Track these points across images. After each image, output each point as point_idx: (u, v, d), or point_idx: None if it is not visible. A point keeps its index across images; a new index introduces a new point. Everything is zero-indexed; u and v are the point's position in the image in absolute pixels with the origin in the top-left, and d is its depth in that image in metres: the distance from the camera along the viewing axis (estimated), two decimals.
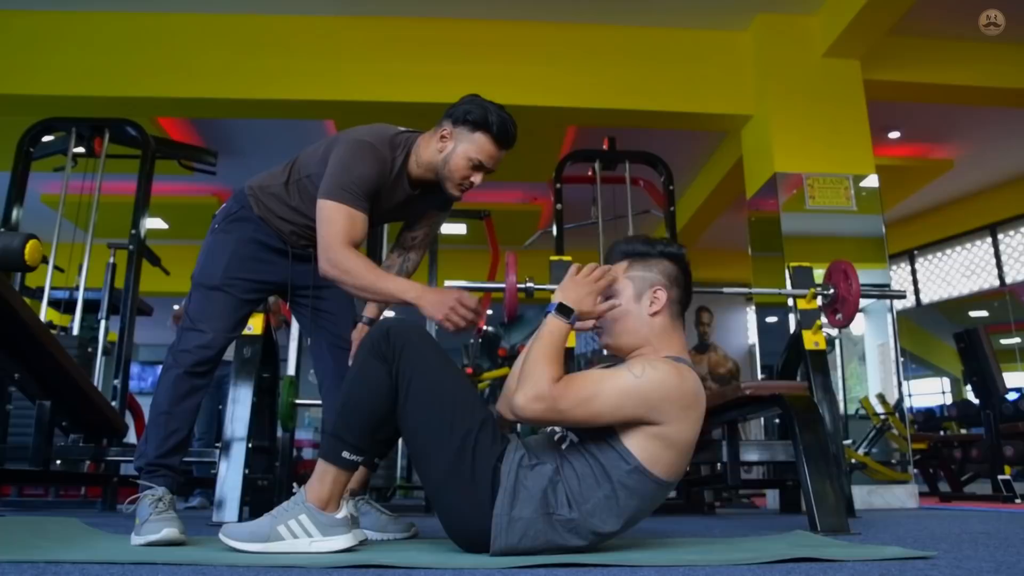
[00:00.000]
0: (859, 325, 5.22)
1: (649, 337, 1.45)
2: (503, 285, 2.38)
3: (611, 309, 1.46)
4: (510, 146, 1.83)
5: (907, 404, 5.26)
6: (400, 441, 2.22)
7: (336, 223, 1.71)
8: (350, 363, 1.91)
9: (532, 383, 1.31)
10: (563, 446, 1.42)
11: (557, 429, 1.48)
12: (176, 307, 4.50)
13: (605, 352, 1.51)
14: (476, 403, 1.46)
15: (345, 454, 1.42)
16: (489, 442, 1.40)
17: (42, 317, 3.59)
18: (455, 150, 1.80)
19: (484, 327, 5.86)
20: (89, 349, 3.52)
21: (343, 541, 1.41)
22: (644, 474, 1.35)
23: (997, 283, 7.59)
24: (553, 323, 1.40)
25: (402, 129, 1.88)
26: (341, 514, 1.42)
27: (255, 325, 2.57)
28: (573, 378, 1.34)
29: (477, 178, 1.84)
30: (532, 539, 1.34)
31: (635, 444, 1.34)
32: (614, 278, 1.48)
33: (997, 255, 7.59)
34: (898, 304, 5.83)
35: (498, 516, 1.34)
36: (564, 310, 1.40)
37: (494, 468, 1.37)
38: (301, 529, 1.40)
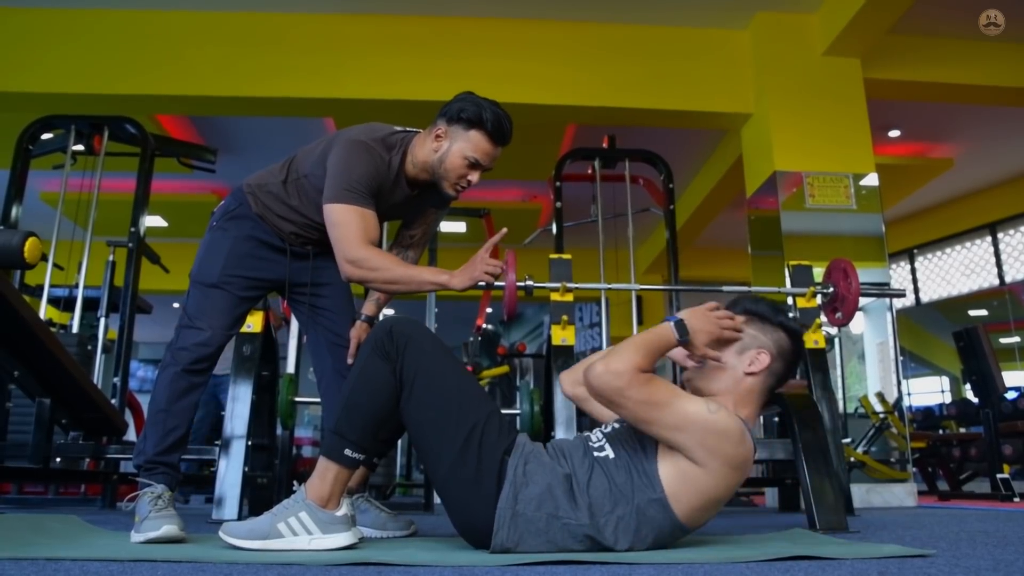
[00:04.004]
0: (858, 324, 5.23)
1: (732, 391, 1.43)
2: (502, 284, 2.37)
3: (715, 360, 1.44)
4: (506, 143, 1.81)
5: (906, 403, 5.26)
6: (399, 439, 2.23)
7: (350, 225, 1.69)
8: (349, 361, 1.92)
9: (620, 360, 1.32)
10: (597, 454, 1.42)
11: (594, 437, 1.47)
12: (176, 305, 4.49)
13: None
14: (481, 397, 1.46)
15: (347, 452, 1.42)
16: (496, 435, 1.40)
17: (42, 315, 3.59)
18: (450, 149, 1.78)
19: (483, 325, 5.87)
20: (89, 347, 3.52)
21: (343, 539, 1.40)
22: (665, 508, 1.34)
23: (997, 282, 7.58)
24: (664, 330, 1.40)
25: (397, 128, 1.86)
26: (341, 512, 1.42)
27: (254, 323, 2.57)
28: (654, 379, 1.34)
29: (474, 177, 1.82)
30: (533, 536, 1.34)
31: (667, 476, 1.34)
32: (739, 332, 1.46)
33: (997, 254, 7.58)
34: (898, 303, 5.83)
35: (501, 510, 1.34)
36: (681, 328, 1.40)
37: (501, 460, 1.38)
38: (301, 527, 1.40)
